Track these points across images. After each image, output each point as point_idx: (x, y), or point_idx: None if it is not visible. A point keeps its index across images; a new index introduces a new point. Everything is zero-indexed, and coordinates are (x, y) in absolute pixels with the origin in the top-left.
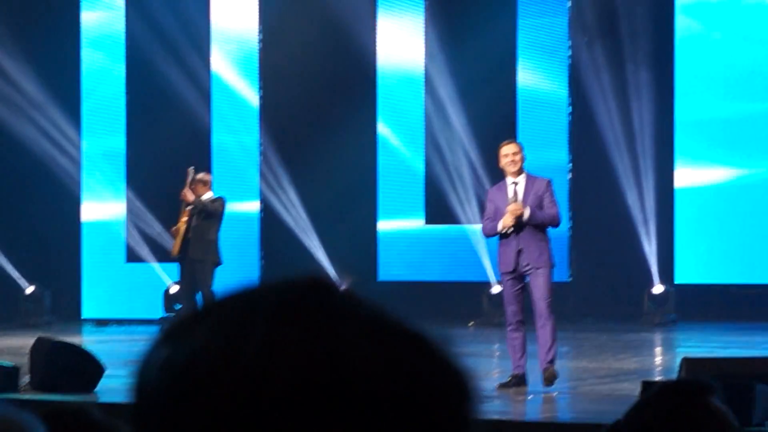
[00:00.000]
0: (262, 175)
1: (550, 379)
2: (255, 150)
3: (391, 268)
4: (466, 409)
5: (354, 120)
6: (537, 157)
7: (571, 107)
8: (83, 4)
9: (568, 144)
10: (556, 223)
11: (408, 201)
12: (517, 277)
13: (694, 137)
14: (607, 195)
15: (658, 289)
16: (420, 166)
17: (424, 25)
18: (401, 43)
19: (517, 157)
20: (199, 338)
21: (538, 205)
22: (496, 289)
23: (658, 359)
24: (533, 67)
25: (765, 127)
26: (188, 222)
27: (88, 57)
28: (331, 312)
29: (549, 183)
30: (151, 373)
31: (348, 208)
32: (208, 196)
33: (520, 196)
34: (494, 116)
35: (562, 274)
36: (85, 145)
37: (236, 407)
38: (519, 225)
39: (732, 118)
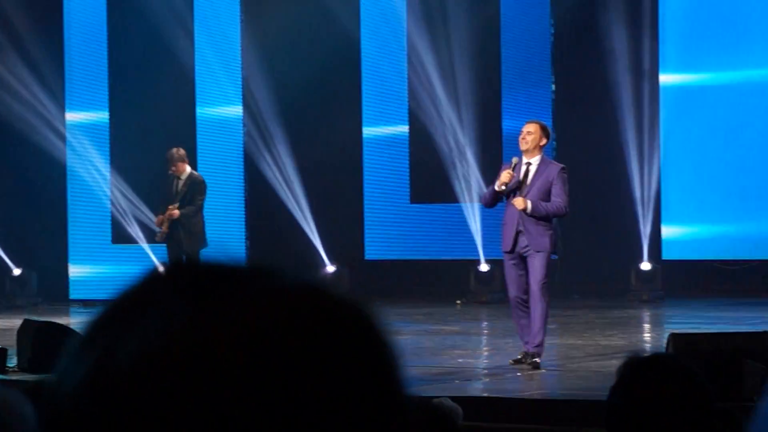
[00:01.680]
0: (247, 151)
1: (534, 364)
2: (239, 124)
3: (377, 247)
4: (395, 379)
5: (339, 100)
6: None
7: (553, 80)
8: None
9: (551, 120)
10: (560, 213)
11: (393, 179)
12: (518, 258)
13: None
14: (595, 171)
15: (645, 266)
16: (404, 145)
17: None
18: (384, 22)
19: (529, 137)
20: (119, 343)
21: (545, 191)
22: (484, 267)
23: (646, 336)
24: (516, 40)
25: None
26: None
27: (73, 35)
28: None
29: (562, 170)
30: (75, 386)
31: (333, 186)
32: (187, 173)
33: (531, 177)
34: (480, 92)
35: None
36: (68, 120)
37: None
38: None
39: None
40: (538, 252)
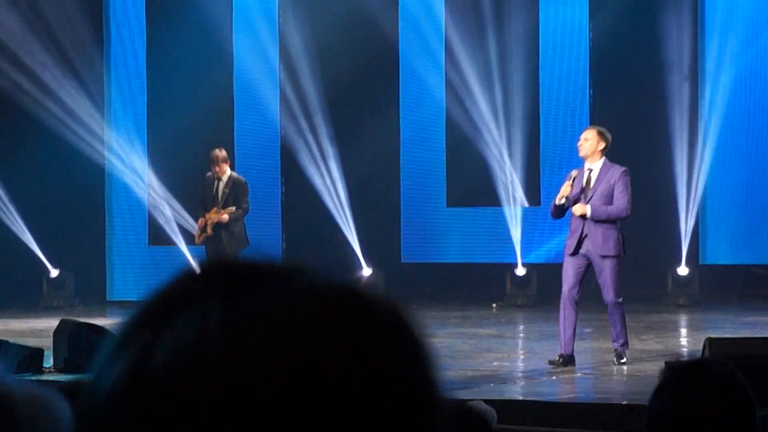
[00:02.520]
0: (284, 155)
1: (619, 356)
2: (276, 126)
3: (413, 250)
4: (430, 381)
5: (377, 103)
6: (560, 137)
7: (591, 88)
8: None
9: (588, 122)
10: (622, 215)
11: (430, 183)
12: (581, 258)
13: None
14: (633, 174)
15: (683, 270)
16: (441, 148)
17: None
18: (422, 28)
19: (586, 143)
20: (154, 342)
21: (608, 194)
22: (520, 270)
23: (682, 340)
24: (555, 45)
25: None
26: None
27: (113, 41)
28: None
29: (624, 172)
30: (109, 389)
31: (370, 188)
32: (228, 174)
33: (593, 182)
34: (517, 97)
35: None
36: (108, 124)
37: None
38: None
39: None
40: (605, 258)
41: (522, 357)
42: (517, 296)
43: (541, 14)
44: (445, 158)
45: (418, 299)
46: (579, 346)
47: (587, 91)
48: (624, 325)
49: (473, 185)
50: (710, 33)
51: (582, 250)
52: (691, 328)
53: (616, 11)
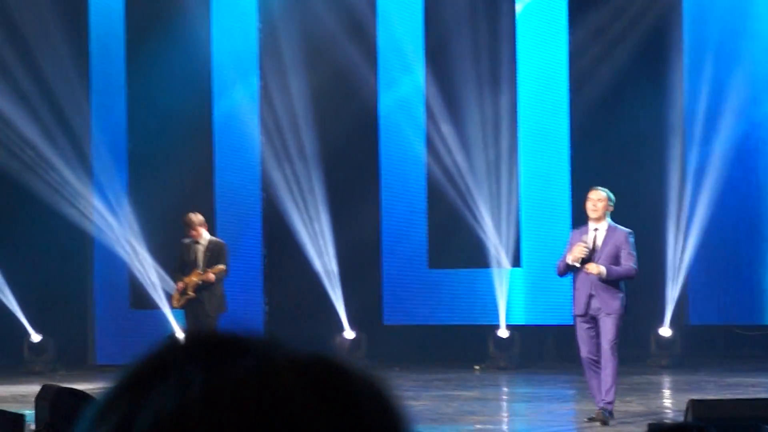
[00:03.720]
0: (266, 216)
1: (604, 420)
2: (257, 188)
3: (395, 312)
4: None
5: (358, 165)
6: (539, 198)
7: (571, 145)
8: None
9: (569, 188)
10: (632, 276)
11: (411, 245)
12: (590, 320)
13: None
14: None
15: (665, 331)
16: (422, 210)
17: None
18: (403, 91)
19: (599, 205)
20: (137, 409)
21: (615, 255)
22: (503, 332)
23: (665, 401)
24: (534, 107)
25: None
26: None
27: (95, 106)
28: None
29: (629, 235)
30: None
31: (352, 250)
32: (206, 238)
33: (599, 243)
34: (496, 157)
35: (566, 317)
36: (92, 192)
37: None
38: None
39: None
40: (610, 315)
41: (505, 419)
42: (500, 358)
43: (519, 79)
44: (426, 220)
45: (401, 361)
46: (561, 408)
47: (568, 153)
48: (615, 382)
49: (455, 247)
50: (695, 96)
51: (590, 311)
52: (674, 389)
53: (596, 86)
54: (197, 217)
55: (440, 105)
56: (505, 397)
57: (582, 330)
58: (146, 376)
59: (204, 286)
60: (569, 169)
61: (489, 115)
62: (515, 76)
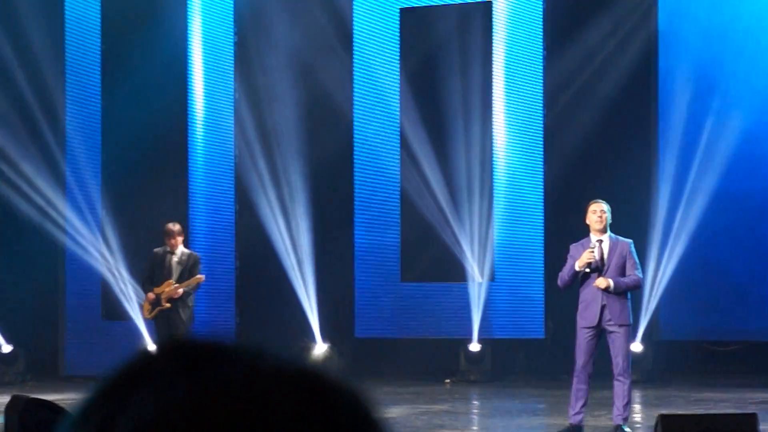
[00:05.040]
0: (239, 229)
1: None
2: (231, 200)
3: (367, 325)
4: None
5: (332, 179)
6: (513, 225)
7: (544, 161)
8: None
9: (542, 204)
10: (638, 287)
11: (384, 259)
12: (596, 333)
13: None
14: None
15: (636, 346)
16: (396, 223)
17: (399, 83)
18: (377, 106)
19: (604, 216)
20: (114, 419)
21: (621, 266)
22: (474, 346)
23: (635, 416)
24: (509, 120)
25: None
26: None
27: (68, 115)
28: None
29: (630, 245)
30: None
31: (325, 264)
32: (181, 249)
33: (605, 254)
34: (471, 173)
35: (537, 331)
36: (65, 203)
37: None
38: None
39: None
40: (621, 326)
41: None
42: (471, 372)
43: (494, 89)
44: (399, 233)
45: (372, 374)
46: (532, 423)
47: (542, 169)
48: (630, 398)
49: (427, 261)
50: (668, 112)
51: (602, 323)
52: (644, 404)
53: (570, 104)
54: (176, 227)
55: (415, 121)
56: (475, 410)
57: (586, 341)
58: (126, 382)
59: (180, 299)
60: (543, 184)
61: (463, 132)
62: (490, 94)
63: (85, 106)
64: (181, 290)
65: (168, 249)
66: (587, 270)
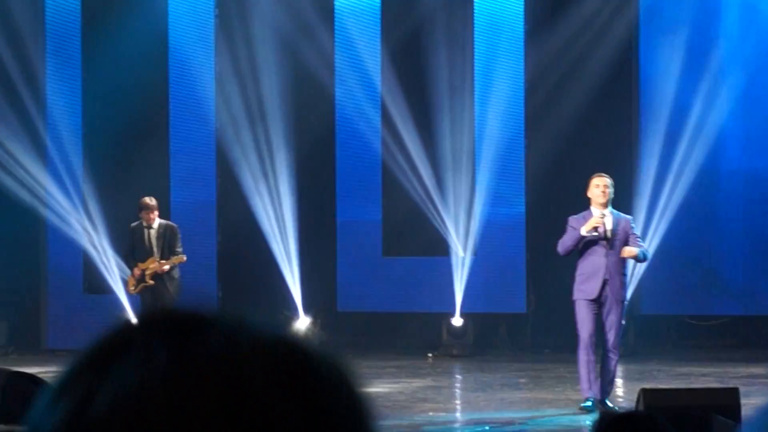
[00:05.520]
0: (220, 202)
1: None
2: (212, 174)
3: (349, 299)
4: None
5: (314, 152)
6: (495, 200)
7: (525, 136)
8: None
9: (524, 179)
10: (647, 258)
11: (366, 232)
12: (595, 303)
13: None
14: (564, 225)
15: None
16: (377, 198)
17: (380, 61)
18: (358, 80)
19: (608, 191)
20: (96, 389)
21: (624, 241)
22: (457, 320)
23: (617, 390)
24: (491, 95)
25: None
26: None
27: (49, 86)
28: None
29: (631, 221)
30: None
31: (307, 238)
32: (157, 222)
33: (609, 226)
34: (453, 148)
35: (519, 305)
36: (46, 174)
37: None
38: (609, 253)
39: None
40: (618, 302)
41: (458, 407)
42: (453, 346)
43: (476, 67)
44: (381, 208)
45: (354, 348)
46: (514, 397)
47: (523, 143)
48: (615, 375)
49: (409, 235)
50: (649, 105)
51: (602, 296)
52: (626, 378)
53: (552, 81)
54: (153, 201)
55: (396, 93)
56: (457, 384)
57: (589, 312)
58: (107, 353)
59: (159, 279)
60: (524, 159)
61: (446, 107)
62: (472, 70)
63: (66, 78)
64: (166, 267)
65: (144, 223)
66: (594, 234)
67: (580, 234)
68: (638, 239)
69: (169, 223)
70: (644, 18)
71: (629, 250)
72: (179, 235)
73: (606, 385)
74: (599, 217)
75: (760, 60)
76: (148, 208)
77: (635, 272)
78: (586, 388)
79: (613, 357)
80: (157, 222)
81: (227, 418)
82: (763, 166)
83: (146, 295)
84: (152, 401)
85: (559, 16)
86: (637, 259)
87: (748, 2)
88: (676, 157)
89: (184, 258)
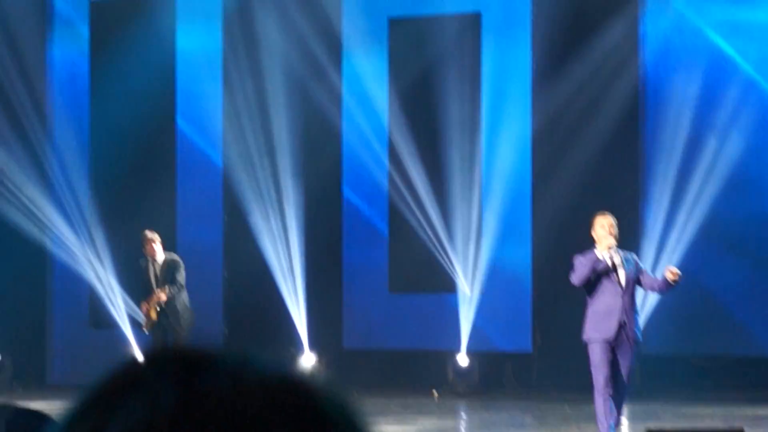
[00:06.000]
0: (227, 237)
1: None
2: (219, 208)
3: (355, 336)
4: None
5: (319, 181)
6: (501, 239)
7: (531, 174)
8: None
9: (531, 219)
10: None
11: (373, 269)
12: (609, 345)
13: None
14: (571, 263)
15: None
16: (384, 235)
17: (387, 89)
18: (365, 119)
19: (614, 230)
20: (103, 427)
21: (636, 278)
22: (462, 358)
23: (623, 429)
24: (498, 140)
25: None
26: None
27: (56, 116)
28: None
29: (638, 258)
30: None
31: (312, 274)
32: (162, 257)
33: (622, 266)
34: (459, 185)
35: (525, 344)
36: (51, 208)
37: None
38: (623, 295)
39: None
40: (633, 343)
41: None
42: (459, 384)
43: (483, 103)
44: (388, 244)
45: (359, 386)
46: None
47: (530, 182)
48: (620, 417)
49: (416, 272)
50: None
51: (619, 337)
52: (632, 418)
53: (558, 112)
54: (149, 234)
55: (403, 132)
56: (463, 423)
57: (604, 356)
58: (115, 390)
59: (166, 306)
60: (530, 200)
61: (453, 142)
62: (479, 109)
63: (74, 110)
64: (163, 296)
65: (149, 258)
66: (608, 258)
67: (595, 257)
68: (650, 273)
69: (173, 256)
70: (650, 64)
71: (670, 273)
72: (181, 268)
73: (619, 416)
74: (611, 242)
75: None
76: (146, 241)
77: (641, 311)
78: (606, 427)
79: (625, 396)
80: (161, 256)
81: None
82: None
83: (156, 332)
84: None
85: (567, 64)
86: (667, 289)
87: (755, 51)
88: (683, 203)
89: (162, 297)
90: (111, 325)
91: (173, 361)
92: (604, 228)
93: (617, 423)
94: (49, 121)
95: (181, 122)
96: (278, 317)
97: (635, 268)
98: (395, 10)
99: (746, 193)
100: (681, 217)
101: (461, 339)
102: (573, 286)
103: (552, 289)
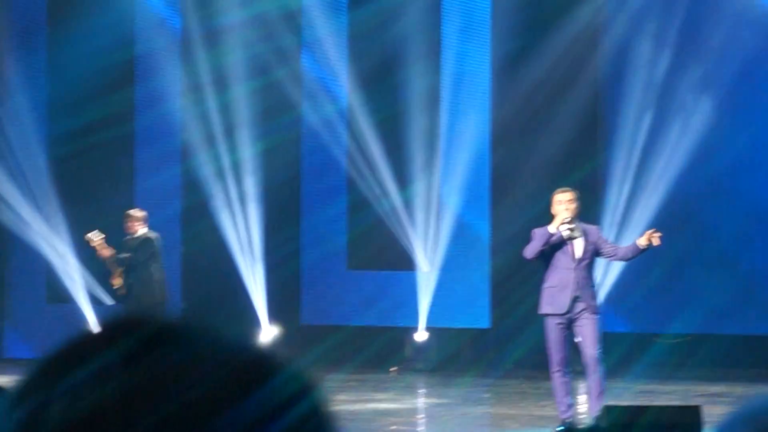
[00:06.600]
0: (185, 212)
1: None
2: (177, 185)
3: (313, 312)
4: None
5: (280, 158)
6: (460, 215)
7: (491, 151)
8: None
9: (489, 196)
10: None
11: (331, 245)
12: (566, 321)
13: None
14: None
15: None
16: (343, 211)
17: (347, 62)
18: (325, 90)
19: (572, 205)
20: (52, 398)
21: (595, 252)
22: (420, 335)
23: (580, 407)
24: (456, 105)
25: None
26: (124, 272)
27: (13, 86)
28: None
29: (599, 229)
30: None
31: (272, 250)
32: (143, 231)
33: (581, 238)
34: (418, 156)
35: (483, 321)
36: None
37: None
38: (576, 269)
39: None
40: (593, 314)
41: (420, 421)
42: (417, 360)
43: (442, 79)
44: (346, 221)
45: (317, 361)
46: (477, 412)
47: (489, 158)
48: (604, 390)
49: (374, 249)
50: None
51: (572, 313)
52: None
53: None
54: (131, 211)
55: (362, 106)
56: (421, 399)
57: (559, 333)
58: (64, 364)
59: (137, 279)
60: (489, 175)
61: (412, 120)
62: (438, 83)
63: (31, 75)
64: (106, 252)
65: (129, 235)
66: (566, 229)
67: (548, 232)
68: (612, 243)
69: (147, 233)
70: (607, 63)
71: (643, 241)
72: (145, 243)
73: (594, 402)
74: (565, 213)
75: (732, 92)
76: (126, 218)
77: (601, 288)
78: (563, 411)
79: (596, 371)
80: (140, 232)
81: (182, 429)
82: (734, 186)
83: (127, 303)
84: (106, 412)
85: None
86: (633, 256)
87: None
88: (643, 188)
89: (106, 252)
90: (68, 299)
91: (126, 334)
92: (561, 203)
93: (599, 397)
94: (3, 92)
95: (139, 93)
96: (236, 293)
97: (594, 239)
98: None
99: (702, 172)
100: (641, 200)
101: (419, 316)
102: (531, 262)
103: (510, 266)
